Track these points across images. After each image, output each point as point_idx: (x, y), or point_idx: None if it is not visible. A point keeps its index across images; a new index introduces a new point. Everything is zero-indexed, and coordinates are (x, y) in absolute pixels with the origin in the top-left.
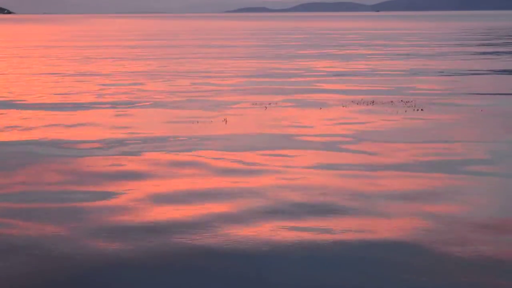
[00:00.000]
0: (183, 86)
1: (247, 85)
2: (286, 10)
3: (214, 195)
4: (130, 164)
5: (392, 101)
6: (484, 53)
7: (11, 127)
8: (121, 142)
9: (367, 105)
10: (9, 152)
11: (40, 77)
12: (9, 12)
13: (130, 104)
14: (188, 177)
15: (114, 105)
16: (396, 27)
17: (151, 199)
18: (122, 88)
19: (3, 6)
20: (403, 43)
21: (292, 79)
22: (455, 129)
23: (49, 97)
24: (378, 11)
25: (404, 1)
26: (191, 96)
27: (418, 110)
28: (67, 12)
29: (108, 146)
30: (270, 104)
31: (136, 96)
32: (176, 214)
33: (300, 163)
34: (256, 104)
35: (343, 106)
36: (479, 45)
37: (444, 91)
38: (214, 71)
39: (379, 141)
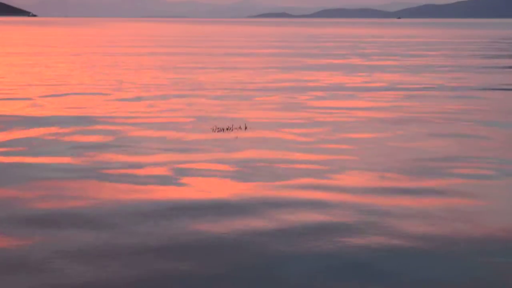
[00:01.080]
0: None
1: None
2: (307, 16)
3: None
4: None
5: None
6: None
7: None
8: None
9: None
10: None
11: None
12: (33, 15)
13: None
14: None
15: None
16: (420, 34)
17: None
18: (173, 102)
19: (26, 9)
20: (433, 53)
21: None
22: None
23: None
24: (399, 17)
25: (427, 8)
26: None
27: None
28: (88, 15)
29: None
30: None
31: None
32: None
33: None
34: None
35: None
36: (501, 56)
37: None
38: (254, 83)
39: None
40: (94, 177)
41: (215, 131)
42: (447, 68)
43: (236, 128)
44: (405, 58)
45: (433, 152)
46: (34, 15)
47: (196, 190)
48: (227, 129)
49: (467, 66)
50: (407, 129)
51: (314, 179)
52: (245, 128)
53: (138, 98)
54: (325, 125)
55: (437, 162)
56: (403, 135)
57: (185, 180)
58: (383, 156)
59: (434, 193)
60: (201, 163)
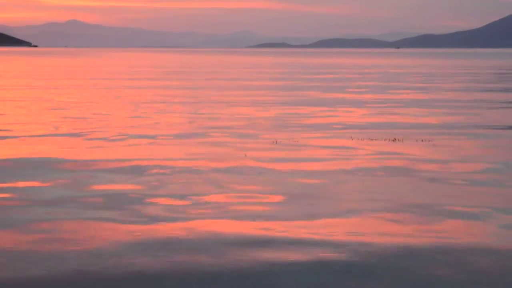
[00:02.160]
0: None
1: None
2: (307, 46)
3: None
4: None
5: None
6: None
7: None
8: None
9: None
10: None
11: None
12: (34, 46)
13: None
14: None
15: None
16: (422, 64)
17: None
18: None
19: (26, 39)
20: (446, 85)
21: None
22: None
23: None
24: (398, 47)
25: (426, 38)
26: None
27: None
28: (88, 45)
29: None
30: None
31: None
32: None
33: None
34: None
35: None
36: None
37: None
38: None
39: None
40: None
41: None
42: (464, 103)
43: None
44: (419, 91)
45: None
46: (35, 46)
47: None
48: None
49: (483, 100)
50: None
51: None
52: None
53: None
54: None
55: None
56: None
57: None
58: None
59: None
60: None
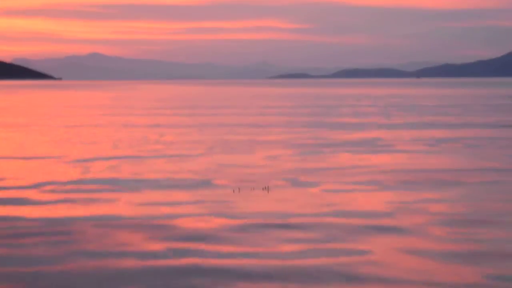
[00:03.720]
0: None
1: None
2: (326, 76)
3: None
4: None
5: None
6: None
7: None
8: None
9: None
10: None
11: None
12: (59, 79)
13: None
14: None
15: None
16: (449, 95)
17: None
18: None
19: (47, 73)
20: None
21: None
22: None
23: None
24: (419, 77)
25: (446, 67)
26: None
27: None
28: (109, 78)
29: None
30: None
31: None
32: None
33: None
34: None
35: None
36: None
37: None
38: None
39: None
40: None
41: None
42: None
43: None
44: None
45: None
46: (59, 78)
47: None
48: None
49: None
50: None
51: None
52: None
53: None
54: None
55: None
56: None
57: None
58: None
59: None
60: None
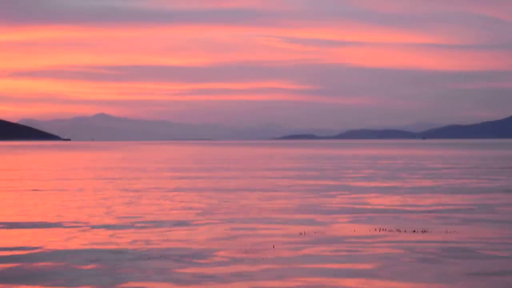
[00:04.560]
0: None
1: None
2: (333, 137)
3: None
4: None
5: None
6: None
7: None
8: None
9: None
10: None
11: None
12: (67, 139)
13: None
14: None
15: None
16: (457, 156)
17: None
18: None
19: (54, 133)
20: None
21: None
22: None
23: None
24: (424, 138)
25: (452, 128)
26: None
27: None
28: (116, 139)
29: None
30: None
31: None
32: None
33: None
34: None
35: None
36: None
37: None
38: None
39: None
40: None
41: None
42: None
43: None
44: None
45: None
46: (68, 139)
47: None
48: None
49: None
50: None
51: None
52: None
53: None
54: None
55: None
56: None
57: None
58: None
59: None
60: None
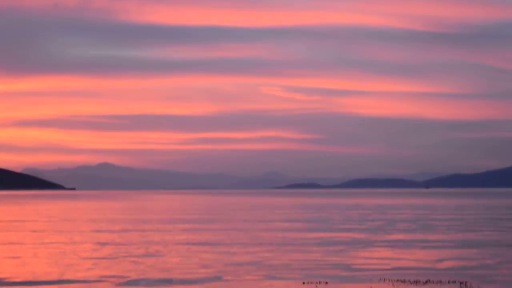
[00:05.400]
0: None
1: None
2: (336, 186)
3: None
4: None
5: None
6: None
7: None
8: None
9: None
10: None
11: None
12: (72, 189)
13: None
14: None
15: None
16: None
17: None
18: None
19: (58, 183)
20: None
21: None
22: None
23: None
24: (428, 187)
25: (455, 177)
26: None
27: None
28: (121, 188)
29: None
30: None
31: None
32: None
33: None
34: None
35: None
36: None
37: None
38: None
39: None
40: None
41: None
42: None
43: None
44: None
45: None
46: (73, 188)
47: None
48: None
49: None
50: None
51: None
52: None
53: None
54: None
55: None
56: None
57: None
58: None
59: None
60: None
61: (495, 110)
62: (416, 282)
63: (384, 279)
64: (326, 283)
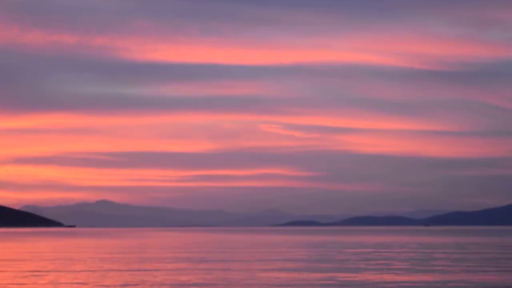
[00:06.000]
0: None
1: None
2: (336, 224)
3: None
4: None
5: None
6: None
7: None
8: None
9: None
10: None
11: None
12: (72, 226)
13: None
14: None
15: None
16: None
17: None
18: None
19: (56, 220)
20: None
21: None
22: None
23: None
24: (427, 225)
25: (454, 215)
26: None
27: None
28: (121, 225)
29: None
30: None
31: None
32: None
33: None
34: None
35: None
36: None
37: None
38: None
39: None
40: None
41: None
42: None
43: None
44: None
45: None
46: (73, 226)
47: None
48: None
49: None
50: None
51: None
52: None
53: None
54: None
55: None
56: None
57: None
58: None
59: None
60: None
61: (495, 148)
62: None
63: None
64: None
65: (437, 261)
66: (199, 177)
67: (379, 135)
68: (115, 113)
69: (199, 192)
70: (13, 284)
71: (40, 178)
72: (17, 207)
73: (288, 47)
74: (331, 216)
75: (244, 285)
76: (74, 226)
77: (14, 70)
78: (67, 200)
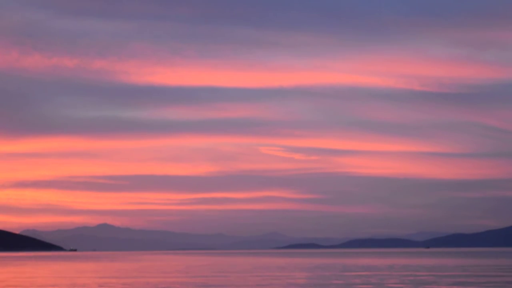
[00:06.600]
0: None
1: None
2: (337, 246)
3: None
4: None
5: None
6: None
7: None
8: None
9: None
10: None
11: None
12: (74, 250)
13: None
14: None
15: None
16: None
17: None
18: None
19: (58, 244)
20: None
21: None
22: None
23: None
24: (428, 247)
25: (455, 237)
26: None
27: None
28: (120, 249)
29: None
30: None
31: None
32: None
33: None
34: None
35: None
36: None
37: None
38: None
39: None
40: None
41: None
42: None
43: None
44: None
45: None
46: (74, 250)
47: None
48: None
49: None
50: None
51: None
52: None
53: None
54: None
55: None
56: None
57: None
58: None
59: None
60: None
61: (496, 170)
62: None
63: None
64: None
65: (443, 286)
66: (199, 200)
67: (380, 157)
68: (114, 136)
69: (199, 215)
70: None
71: (40, 202)
72: (17, 231)
73: (287, 69)
74: (332, 238)
75: None
76: (75, 250)
77: (14, 93)
78: (68, 224)
